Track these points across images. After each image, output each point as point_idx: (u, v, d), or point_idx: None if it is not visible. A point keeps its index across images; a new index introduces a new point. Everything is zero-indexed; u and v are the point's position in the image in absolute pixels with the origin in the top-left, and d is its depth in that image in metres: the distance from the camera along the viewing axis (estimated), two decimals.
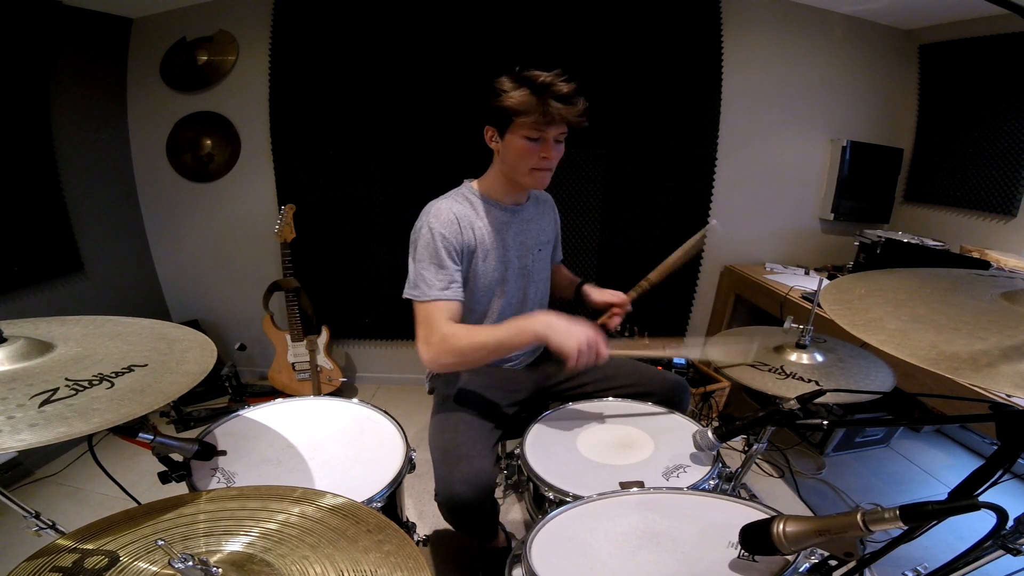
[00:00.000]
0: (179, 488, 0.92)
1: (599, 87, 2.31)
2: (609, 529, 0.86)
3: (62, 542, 0.66)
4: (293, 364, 2.52)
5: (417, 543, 1.07)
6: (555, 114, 1.13)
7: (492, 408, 1.33)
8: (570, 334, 1.08)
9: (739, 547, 0.74)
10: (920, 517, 0.58)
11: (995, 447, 0.62)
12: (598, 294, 1.49)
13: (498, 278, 1.35)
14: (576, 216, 2.52)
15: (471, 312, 1.37)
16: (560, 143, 1.23)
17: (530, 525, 0.94)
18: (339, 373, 2.61)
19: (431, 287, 1.21)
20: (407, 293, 1.24)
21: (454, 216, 1.25)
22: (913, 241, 2.13)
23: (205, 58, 2.40)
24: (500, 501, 1.91)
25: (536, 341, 1.13)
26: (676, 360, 2.34)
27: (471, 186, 1.36)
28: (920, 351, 0.63)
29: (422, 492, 1.95)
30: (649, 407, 1.34)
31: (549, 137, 1.19)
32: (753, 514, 0.87)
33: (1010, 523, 0.62)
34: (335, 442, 1.15)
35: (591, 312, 1.46)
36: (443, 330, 1.18)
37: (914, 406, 2.03)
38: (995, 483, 0.61)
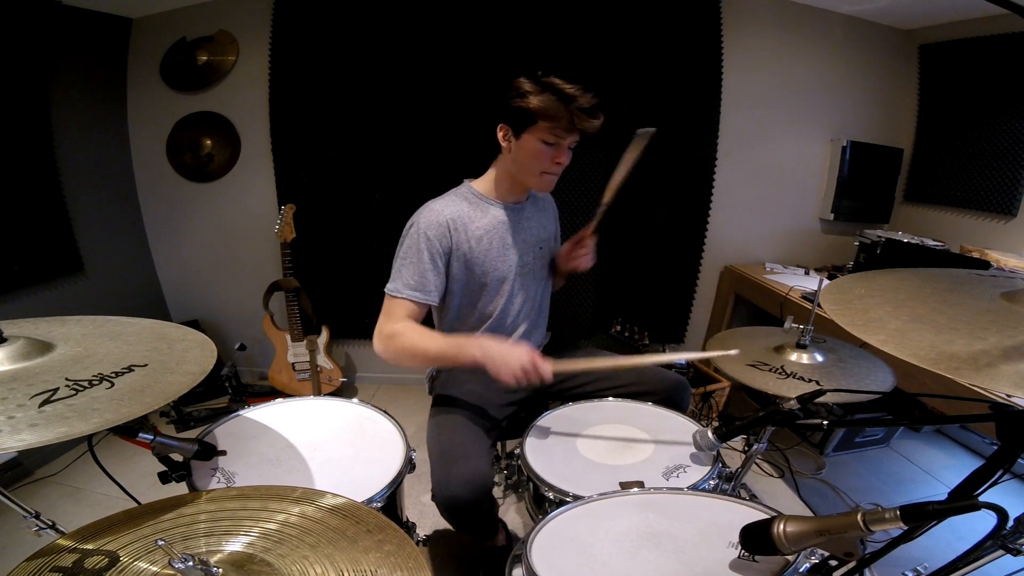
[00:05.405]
0: (179, 488, 0.91)
1: (599, 87, 2.30)
2: (609, 529, 0.86)
3: (62, 542, 0.66)
4: (293, 364, 2.52)
5: (417, 543, 1.08)
6: (579, 124, 1.17)
7: (490, 408, 1.34)
8: (505, 363, 1.09)
9: (739, 547, 0.74)
10: (921, 517, 0.58)
11: (995, 447, 0.62)
12: (563, 251, 1.44)
13: (499, 277, 1.35)
14: (576, 217, 2.50)
15: (473, 311, 1.37)
16: (570, 151, 1.25)
17: (530, 525, 0.94)
18: (339, 373, 2.61)
19: (405, 285, 1.25)
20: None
21: (445, 219, 1.26)
22: (913, 241, 2.13)
23: (205, 58, 2.40)
24: (500, 501, 1.91)
25: (473, 364, 1.14)
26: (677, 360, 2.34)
27: (470, 186, 1.36)
28: (920, 351, 0.63)
29: (422, 492, 1.94)
30: (649, 407, 1.34)
31: (565, 144, 1.22)
32: (753, 514, 0.87)
33: (1010, 523, 0.62)
34: (335, 442, 1.15)
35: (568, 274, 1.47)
36: (395, 326, 1.23)
37: (914, 406, 2.03)
38: (995, 483, 0.61)
